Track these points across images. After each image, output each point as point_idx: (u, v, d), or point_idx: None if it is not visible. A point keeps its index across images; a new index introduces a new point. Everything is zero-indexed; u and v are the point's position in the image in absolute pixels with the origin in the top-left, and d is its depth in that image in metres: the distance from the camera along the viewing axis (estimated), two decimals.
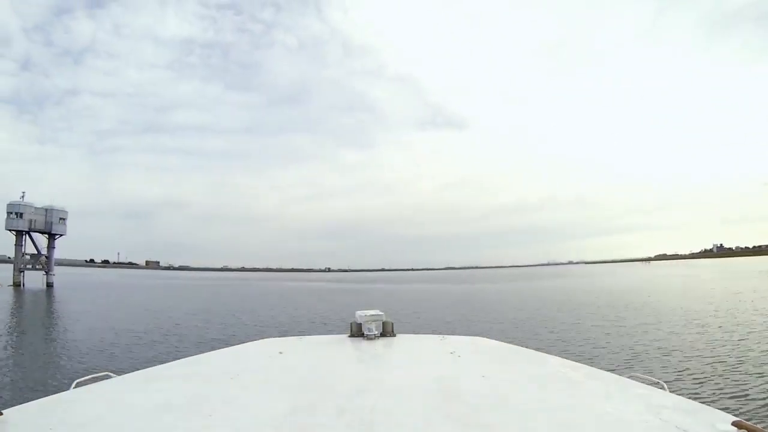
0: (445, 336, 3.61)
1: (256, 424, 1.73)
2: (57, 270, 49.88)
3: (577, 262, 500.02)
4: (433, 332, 4.87)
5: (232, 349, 3.38)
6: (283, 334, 12.58)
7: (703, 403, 1.95)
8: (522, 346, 3.31)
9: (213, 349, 3.53)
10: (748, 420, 1.64)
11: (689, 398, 2.02)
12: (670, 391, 2.12)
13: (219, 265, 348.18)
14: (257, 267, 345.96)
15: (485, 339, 3.61)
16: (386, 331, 3.54)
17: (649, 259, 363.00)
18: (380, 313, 3.61)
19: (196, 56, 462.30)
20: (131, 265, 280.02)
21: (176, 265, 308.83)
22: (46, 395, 2.11)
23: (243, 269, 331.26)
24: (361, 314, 3.60)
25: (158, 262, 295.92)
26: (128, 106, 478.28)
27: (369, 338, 3.44)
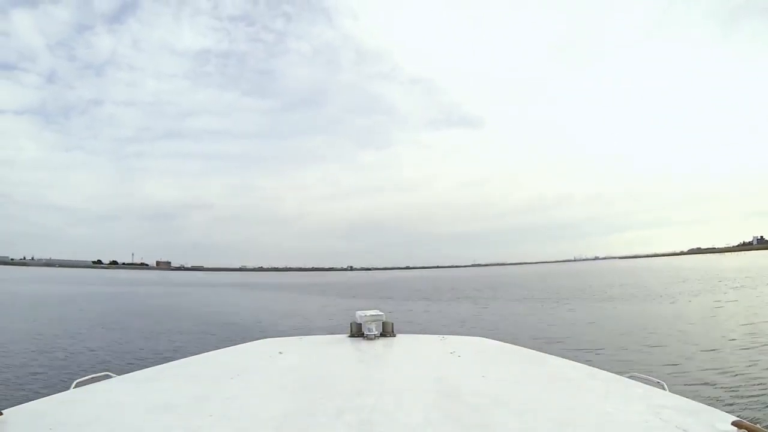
0: (445, 336, 3.60)
1: (256, 424, 1.72)
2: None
3: (604, 258, 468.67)
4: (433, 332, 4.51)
5: (232, 349, 3.39)
6: None
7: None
8: (522, 346, 3.29)
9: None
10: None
11: (689, 398, 2.00)
12: (670, 391, 2.11)
13: (236, 265, 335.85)
14: (276, 266, 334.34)
15: (485, 339, 3.61)
16: (386, 331, 3.55)
17: (682, 253, 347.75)
18: (380, 313, 3.61)
19: (212, 66, 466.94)
20: (143, 266, 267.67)
21: (188, 266, 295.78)
22: (46, 395, 2.10)
23: (261, 269, 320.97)
24: (361, 314, 3.60)
25: (169, 263, 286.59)
26: (149, 114, 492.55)
27: (369, 338, 3.45)
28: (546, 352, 3.03)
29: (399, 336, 3.53)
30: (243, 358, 3.07)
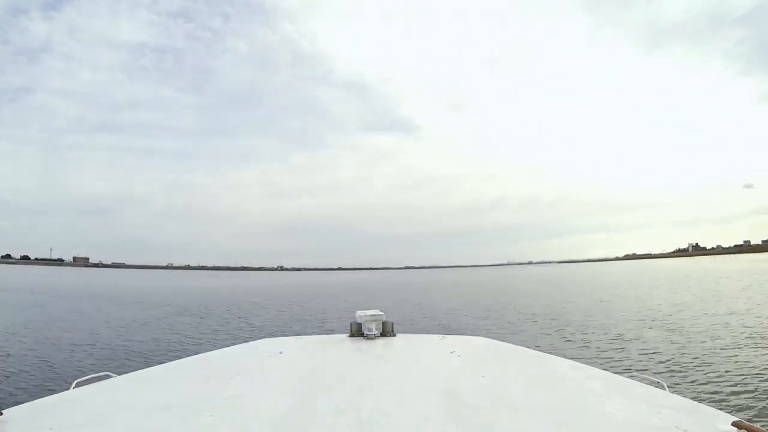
0: (445, 336, 3.62)
1: (256, 424, 1.71)
2: None
3: (538, 262, 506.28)
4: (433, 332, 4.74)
5: (232, 349, 3.36)
6: None
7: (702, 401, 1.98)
8: (522, 346, 3.37)
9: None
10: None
11: (689, 398, 2.03)
12: (670, 391, 2.12)
13: (164, 263, 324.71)
14: (205, 265, 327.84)
15: (485, 339, 3.64)
16: (386, 331, 3.55)
17: (617, 259, 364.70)
18: (380, 313, 3.62)
19: (148, 60, 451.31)
20: (58, 261, 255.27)
21: (108, 262, 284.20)
22: (46, 395, 2.09)
23: (188, 267, 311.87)
24: (361, 314, 3.60)
25: (87, 259, 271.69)
26: (83, 105, 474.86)
27: (369, 338, 3.45)
28: (546, 352, 3.11)
29: (399, 336, 3.55)
30: (243, 358, 3.05)
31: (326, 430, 1.62)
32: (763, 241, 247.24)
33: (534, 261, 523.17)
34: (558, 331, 14.58)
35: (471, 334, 4.04)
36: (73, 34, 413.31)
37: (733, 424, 1.55)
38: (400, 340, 3.48)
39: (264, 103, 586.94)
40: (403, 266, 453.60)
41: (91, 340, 13.63)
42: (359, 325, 3.56)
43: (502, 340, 3.71)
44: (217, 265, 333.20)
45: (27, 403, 1.94)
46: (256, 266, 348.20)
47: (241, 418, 1.76)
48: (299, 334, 4.15)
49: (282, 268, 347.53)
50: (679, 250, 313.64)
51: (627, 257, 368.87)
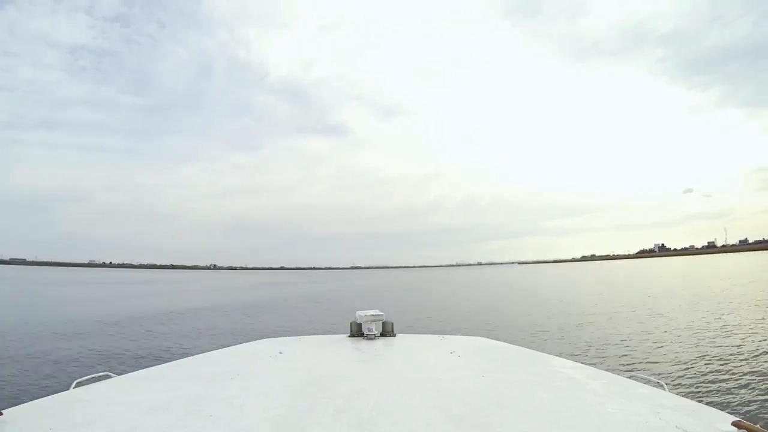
0: (445, 336, 3.65)
1: (256, 424, 1.70)
2: None
3: (487, 263, 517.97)
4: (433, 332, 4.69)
5: (232, 349, 3.34)
6: None
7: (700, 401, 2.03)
8: (522, 346, 3.43)
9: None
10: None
11: (689, 398, 2.05)
12: (670, 391, 2.14)
13: (85, 260, 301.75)
14: (132, 263, 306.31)
15: (485, 339, 3.68)
16: (386, 331, 3.57)
17: (573, 260, 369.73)
18: (380, 313, 3.64)
19: (87, 61, 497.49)
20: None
21: (30, 259, 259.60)
22: (46, 395, 2.09)
23: (110, 264, 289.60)
24: (361, 314, 3.61)
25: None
26: (24, 101, 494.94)
27: (369, 338, 3.47)
28: (547, 353, 3.16)
29: (399, 336, 3.57)
30: (243, 358, 3.02)
31: (326, 430, 1.62)
32: (740, 242, 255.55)
33: (482, 262, 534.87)
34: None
35: (470, 334, 4.03)
36: (13, 32, 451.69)
37: (733, 423, 1.56)
38: (400, 340, 3.50)
39: (203, 105, 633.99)
40: (350, 266, 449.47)
41: None
42: (359, 325, 3.57)
43: (498, 339, 3.79)
44: (146, 263, 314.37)
45: (27, 403, 1.93)
46: (189, 265, 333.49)
47: (241, 418, 1.75)
48: (299, 335, 4.14)
49: (215, 267, 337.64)
50: (644, 251, 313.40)
51: (585, 258, 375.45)
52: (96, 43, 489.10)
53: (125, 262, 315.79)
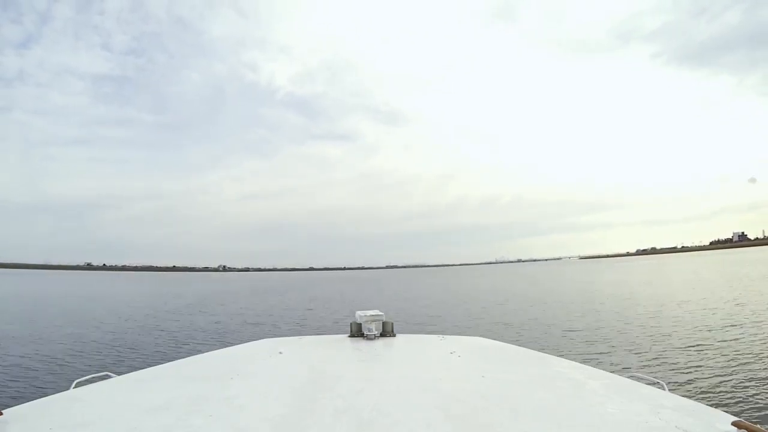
0: (445, 336, 3.62)
1: (256, 424, 1.70)
2: None
3: (527, 260, 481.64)
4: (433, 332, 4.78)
5: (232, 349, 3.34)
6: None
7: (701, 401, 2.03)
8: (522, 346, 3.43)
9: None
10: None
11: (689, 398, 2.04)
12: (670, 391, 2.12)
13: (82, 263, 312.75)
14: (136, 266, 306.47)
15: (485, 339, 3.66)
16: (386, 331, 3.56)
17: (628, 254, 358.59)
18: (380, 313, 3.63)
19: (109, 87, 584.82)
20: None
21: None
22: (46, 395, 2.10)
23: (105, 267, 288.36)
24: (361, 314, 3.60)
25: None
26: (56, 123, 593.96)
27: (369, 338, 3.45)
28: (547, 353, 3.12)
29: (399, 336, 3.54)
30: (243, 358, 2.99)
31: (326, 431, 1.61)
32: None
33: (523, 259, 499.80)
34: None
35: (470, 335, 3.99)
36: (42, 66, 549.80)
37: (733, 424, 1.55)
38: (399, 340, 3.47)
39: (219, 120, 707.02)
40: (385, 265, 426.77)
41: None
42: (359, 325, 3.56)
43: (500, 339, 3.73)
44: (147, 265, 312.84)
45: (27, 403, 1.92)
46: (201, 267, 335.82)
47: (240, 418, 1.75)
48: (299, 335, 4.17)
49: (225, 269, 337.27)
50: (718, 241, 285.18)
51: (643, 252, 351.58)
52: (115, 73, 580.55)
53: (145, 264, 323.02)
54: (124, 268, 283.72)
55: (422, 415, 1.74)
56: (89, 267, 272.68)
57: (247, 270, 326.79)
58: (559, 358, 2.83)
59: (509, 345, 3.32)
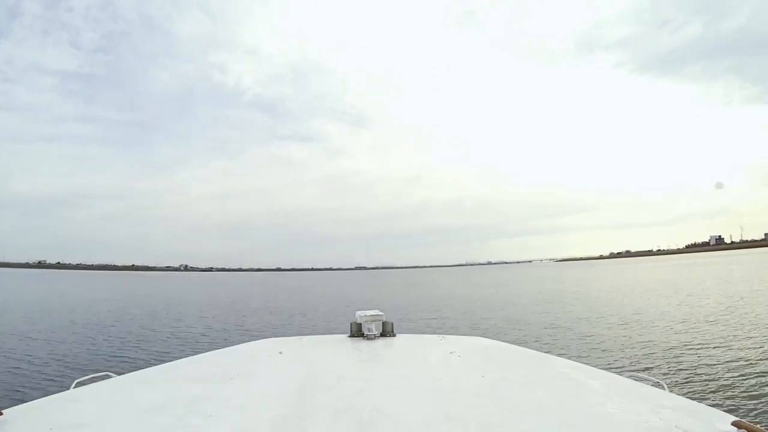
0: (445, 336, 3.63)
1: (256, 424, 1.69)
2: None
3: (497, 262, 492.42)
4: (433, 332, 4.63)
5: (232, 349, 3.32)
6: None
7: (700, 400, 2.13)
8: (522, 346, 3.44)
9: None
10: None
11: (689, 398, 2.04)
12: (670, 391, 2.13)
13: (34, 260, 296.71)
14: (91, 264, 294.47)
15: (485, 339, 3.69)
16: (386, 331, 3.56)
17: (601, 257, 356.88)
18: (380, 313, 3.63)
19: (77, 84, 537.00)
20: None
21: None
22: (46, 395, 2.10)
23: (59, 265, 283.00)
24: (361, 314, 3.59)
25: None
26: (24, 119, 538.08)
27: (369, 338, 3.44)
28: (547, 353, 3.10)
29: (399, 336, 3.53)
30: (243, 358, 2.98)
31: (326, 431, 1.61)
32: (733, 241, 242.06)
33: (492, 261, 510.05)
34: None
35: (470, 335, 3.98)
36: (10, 62, 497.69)
37: (733, 423, 1.55)
38: (399, 340, 3.47)
39: (186, 120, 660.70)
40: (354, 267, 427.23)
41: None
42: (359, 325, 3.55)
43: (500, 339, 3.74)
44: (107, 264, 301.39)
45: (27, 403, 1.92)
46: (163, 266, 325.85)
47: (240, 418, 1.75)
48: (299, 335, 4.13)
49: (186, 268, 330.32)
50: (694, 245, 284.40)
51: (617, 255, 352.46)
52: (83, 70, 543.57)
53: (103, 263, 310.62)
54: (78, 267, 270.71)
55: (422, 415, 1.74)
56: (40, 265, 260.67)
57: (210, 270, 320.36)
58: (559, 357, 2.87)
59: (509, 345, 3.37)
